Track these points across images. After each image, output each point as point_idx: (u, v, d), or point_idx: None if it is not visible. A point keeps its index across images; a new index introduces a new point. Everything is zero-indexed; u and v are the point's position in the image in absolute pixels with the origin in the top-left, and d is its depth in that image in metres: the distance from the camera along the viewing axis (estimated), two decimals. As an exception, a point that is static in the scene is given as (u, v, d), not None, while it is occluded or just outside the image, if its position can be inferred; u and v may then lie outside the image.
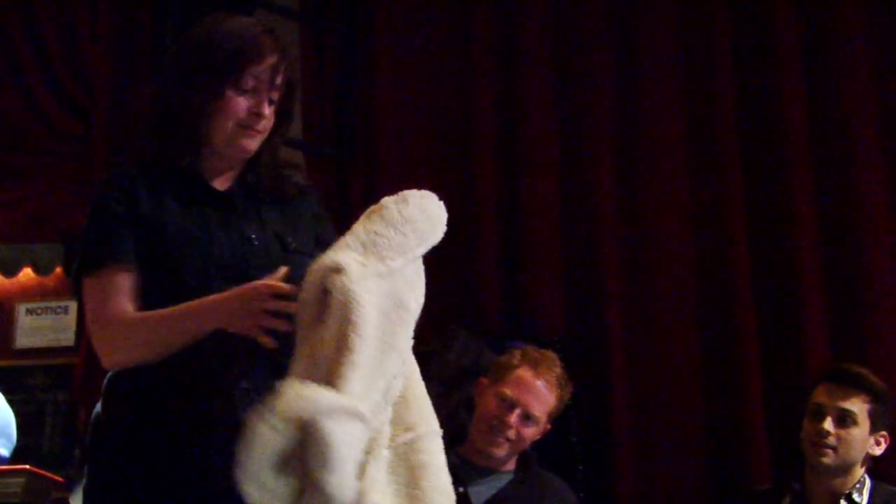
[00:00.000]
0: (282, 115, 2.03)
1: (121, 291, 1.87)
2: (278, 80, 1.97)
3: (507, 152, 4.30)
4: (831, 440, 2.93)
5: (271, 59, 1.95)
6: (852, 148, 4.01)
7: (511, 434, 2.88)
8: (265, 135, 1.99)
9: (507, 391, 2.90)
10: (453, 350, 3.68)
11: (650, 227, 4.12)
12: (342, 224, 4.50)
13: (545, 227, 4.16)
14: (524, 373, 2.92)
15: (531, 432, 2.92)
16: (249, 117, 1.94)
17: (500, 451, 2.91)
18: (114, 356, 1.88)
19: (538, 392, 2.90)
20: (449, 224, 4.50)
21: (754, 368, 3.84)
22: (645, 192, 4.16)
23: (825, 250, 3.96)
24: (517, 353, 3.01)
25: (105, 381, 1.95)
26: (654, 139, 4.19)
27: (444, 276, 4.17)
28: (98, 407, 1.95)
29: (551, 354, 3.03)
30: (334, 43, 4.59)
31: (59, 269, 4.98)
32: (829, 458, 2.94)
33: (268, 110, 1.96)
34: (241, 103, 1.93)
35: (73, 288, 1.97)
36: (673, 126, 4.18)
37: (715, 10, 4.20)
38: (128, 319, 1.86)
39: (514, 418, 2.88)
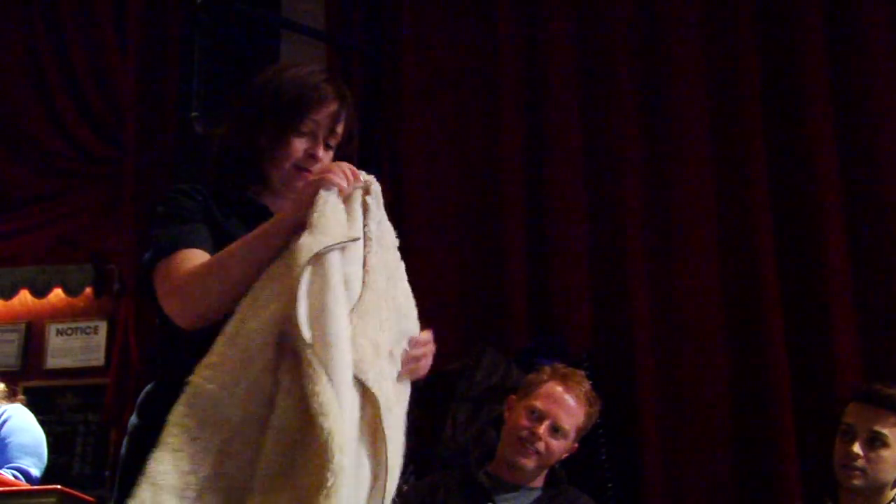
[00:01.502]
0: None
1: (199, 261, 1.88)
2: (338, 128, 2.06)
3: (533, 169, 4.31)
4: (860, 463, 2.88)
5: (332, 106, 2.04)
6: (881, 164, 3.98)
7: (540, 446, 2.88)
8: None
9: (537, 404, 2.91)
10: (481, 368, 3.68)
11: (678, 244, 4.10)
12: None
13: (572, 246, 4.15)
14: (553, 387, 2.94)
15: (560, 446, 2.91)
16: (305, 159, 2.02)
17: (530, 463, 2.90)
18: (196, 304, 1.83)
19: (567, 405, 2.91)
20: (476, 241, 4.53)
21: (784, 384, 3.80)
22: (673, 209, 4.14)
23: (855, 267, 3.92)
24: (546, 370, 3.04)
25: (142, 393, 1.96)
26: (681, 154, 4.17)
27: (472, 296, 4.20)
28: (133, 418, 1.95)
29: (580, 372, 3.05)
30: (360, 62, 4.62)
31: (89, 290, 5.02)
32: (858, 481, 2.90)
33: (323, 154, 2.04)
34: (299, 145, 2.02)
35: (142, 280, 1.96)
36: (700, 140, 4.16)
37: (741, 30, 4.19)
38: (204, 262, 1.86)
39: (543, 430, 2.88)
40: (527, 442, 2.89)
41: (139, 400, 1.96)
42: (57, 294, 5.06)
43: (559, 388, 2.93)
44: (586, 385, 2.98)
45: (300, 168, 2.01)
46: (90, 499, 3.43)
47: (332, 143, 2.06)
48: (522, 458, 2.90)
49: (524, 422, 2.91)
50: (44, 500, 3.29)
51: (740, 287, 4.00)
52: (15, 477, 3.51)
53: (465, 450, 3.38)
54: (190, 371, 1.81)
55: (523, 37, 4.44)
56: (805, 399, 3.80)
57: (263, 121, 2.01)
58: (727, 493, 3.82)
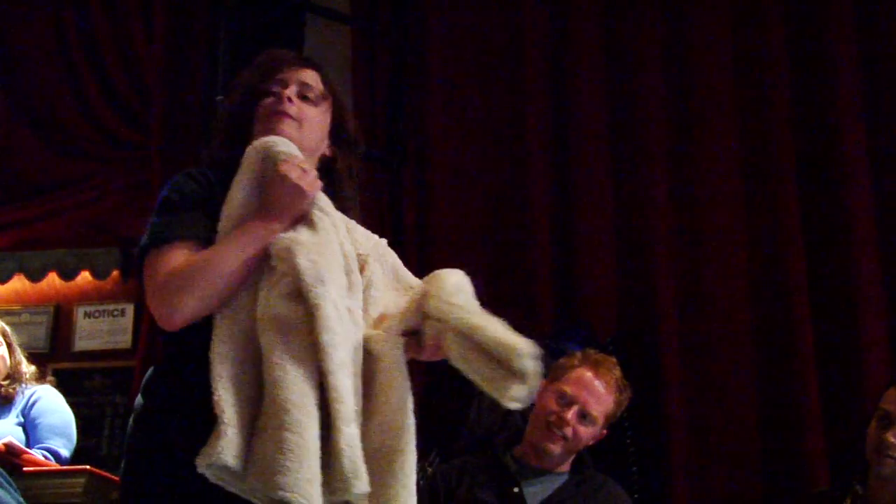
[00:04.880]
0: (337, 132, 2.11)
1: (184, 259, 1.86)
2: (307, 80, 2.07)
3: (559, 154, 4.30)
4: (894, 453, 2.86)
5: (297, 68, 2.08)
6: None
7: (568, 431, 2.86)
8: (301, 123, 2.04)
9: (566, 388, 2.89)
10: (506, 352, 3.67)
11: (704, 227, 4.09)
12: (392, 226, 4.54)
13: (598, 232, 4.15)
14: (584, 372, 2.91)
15: (587, 432, 2.89)
16: (274, 103, 2.02)
17: (556, 448, 2.88)
18: (183, 305, 1.80)
19: (597, 391, 2.89)
20: (501, 227, 4.53)
21: (811, 369, 3.80)
22: (699, 195, 4.13)
23: (883, 250, 3.91)
24: (577, 355, 3.00)
25: (146, 376, 1.96)
26: (708, 141, 4.17)
27: (496, 280, 4.19)
28: (139, 399, 1.95)
29: (612, 359, 3.01)
30: (385, 46, 4.62)
31: (116, 273, 5.06)
32: (889, 469, 2.87)
33: (295, 97, 2.03)
34: (271, 100, 2.04)
35: (137, 265, 1.93)
36: (726, 126, 4.16)
37: (769, 22, 4.17)
38: (189, 260, 1.83)
39: (571, 415, 2.86)
40: (554, 427, 2.87)
41: (144, 381, 1.96)
42: (85, 277, 5.11)
43: (589, 374, 2.90)
44: (617, 372, 2.95)
45: (274, 113, 2.01)
46: (118, 479, 3.47)
47: (309, 94, 2.05)
48: (549, 442, 2.88)
49: (553, 406, 2.89)
50: (73, 480, 3.33)
51: (767, 273, 3.98)
52: (45, 457, 3.55)
53: (490, 434, 3.38)
54: (191, 353, 1.81)
55: (549, 20, 4.43)
56: (832, 382, 3.79)
57: (238, 93, 2.07)
58: (754, 478, 3.81)
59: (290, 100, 2.01)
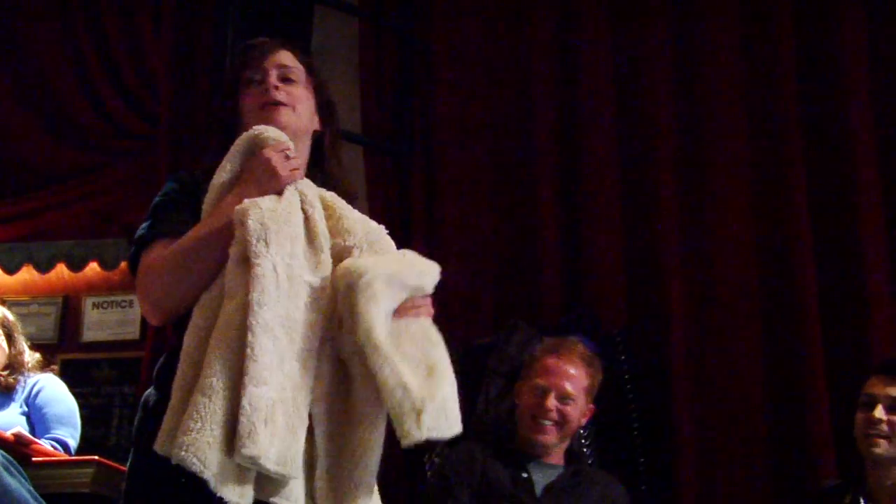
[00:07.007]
0: (322, 109, 2.13)
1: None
2: (285, 62, 2.08)
3: (567, 145, 4.29)
4: (883, 428, 2.90)
5: (273, 51, 2.09)
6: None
7: (553, 416, 2.96)
8: (294, 107, 2.05)
9: (538, 381, 3.00)
10: (513, 343, 3.68)
11: (712, 219, 4.08)
12: (400, 217, 4.53)
13: (606, 220, 4.14)
14: (548, 360, 3.03)
15: (573, 411, 2.98)
16: (262, 94, 2.03)
17: (549, 438, 2.98)
18: (160, 301, 1.86)
19: (565, 372, 2.99)
20: (509, 218, 4.52)
21: (819, 361, 3.79)
22: (706, 184, 4.13)
23: (890, 243, 3.90)
24: (538, 347, 3.15)
25: (157, 364, 1.97)
26: (716, 130, 4.16)
27: (505, 270, 4.19)
28: (150, 390, 1.95)
29: (570, 338, 3.14)
30: (393, 38, 4.62)
31: (124, 265, 5.06)
32: (881, 448, 2.90)
33: (280, 83, 2.04)
34: (256, 91, 2.05)
35: (131, 274, 1.98)
36: (734, 118, 4.15)
37: (778, 23, 4.16)
38: (161, 253, 1.87)
39: (551, 401, 2.95)
40: (540, 418, 2.97)
41: (156, 371, 1.97)
42: (93, 268, 5.11)
43: (553, 359, 3.01)
44: (579, 348, 3.06)
45: (264, 104, 2.02)
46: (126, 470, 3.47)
47: (292, 75, 2.07)
48: (541, 434, 2.98)
49: (532, 399, 3.00)
50: (82, 470, 3.34)
51: (776, 264, 3.98)
52: (53, 447, 3.56)
53: (497, 424, 3.39)
54: None
55: (556, 10, 4.42)
56: (840, 375, 3.78)
57: (223, 89, 2.10)
58: (761, 469, 3.81)
59: (276, 87, 2.03)
